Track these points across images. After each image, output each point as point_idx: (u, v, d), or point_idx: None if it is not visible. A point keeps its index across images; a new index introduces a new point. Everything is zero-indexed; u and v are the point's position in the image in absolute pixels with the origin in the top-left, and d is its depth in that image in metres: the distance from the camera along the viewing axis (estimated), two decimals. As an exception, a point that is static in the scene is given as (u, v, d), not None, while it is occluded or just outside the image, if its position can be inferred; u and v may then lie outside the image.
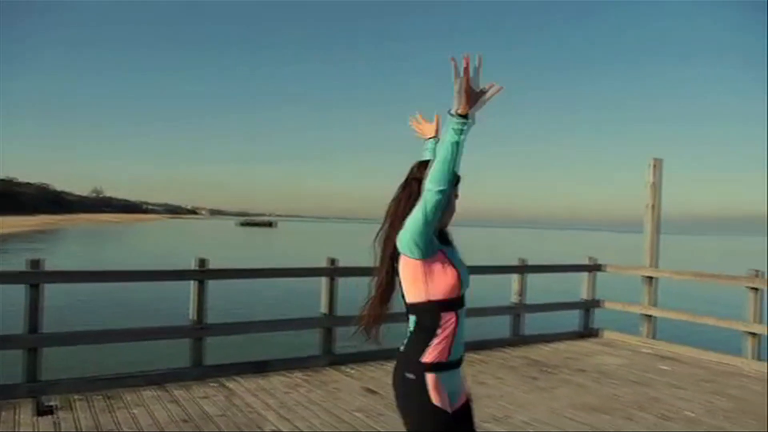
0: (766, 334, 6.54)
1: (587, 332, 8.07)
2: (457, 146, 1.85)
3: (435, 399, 2.02)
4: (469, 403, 2.19)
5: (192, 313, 5.35)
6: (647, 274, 7.83)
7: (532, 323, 7.68)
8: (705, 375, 6.21)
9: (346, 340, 6.70)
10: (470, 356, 6.68)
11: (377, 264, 2.19)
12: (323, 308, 6.11)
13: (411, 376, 2.05)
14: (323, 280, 6.15)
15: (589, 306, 8.13)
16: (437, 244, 2.04)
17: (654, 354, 7.13)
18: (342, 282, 6.14)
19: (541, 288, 9.80)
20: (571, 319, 8.29)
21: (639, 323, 7.87)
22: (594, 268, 8.17)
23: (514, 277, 7.57)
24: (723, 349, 6.97)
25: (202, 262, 5.42)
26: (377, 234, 2.18)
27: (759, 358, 6.49)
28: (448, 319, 2.06)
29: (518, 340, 7.43)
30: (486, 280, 7.83)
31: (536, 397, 5.23)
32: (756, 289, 6.55)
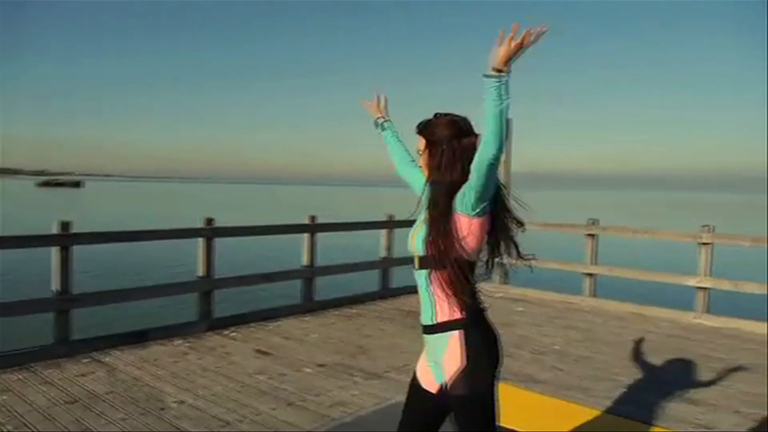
0: (601, 274, 7.52)
1: (446, 281, 8.59)
2: (502, 114, 1.73)
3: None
4: (442, 400, 2.01)
5: (55, 283, 4.73)
6: (499, 226, 8.49)
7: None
8: (553, 312, 6.99)
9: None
10: (347, 311, 6.80)
11: None
12: (201, 271, 5.78)
13: None
14: (199, 242, 5.79)
15: (447, 257, 8.63)
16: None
17: (508, 298, 7.84)
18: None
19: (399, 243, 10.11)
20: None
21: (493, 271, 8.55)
22: (451, 221, 8.66)
23: (382, 233, 7.77)
24: (564, 289, 7.87)
25: (65, 225, 4.80)
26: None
27: (595, 296, 7.45)
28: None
29: (387, 292, 7.69)
30: (351, 237, 7.98)
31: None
32: (593, 236, 7.46)
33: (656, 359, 5.18)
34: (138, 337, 5.20)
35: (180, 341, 5.31)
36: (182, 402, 3.91)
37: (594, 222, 7.50)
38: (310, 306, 6.72)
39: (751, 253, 10.96)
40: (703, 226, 6.64)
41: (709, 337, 6.00)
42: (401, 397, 3.84)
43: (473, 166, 1.81)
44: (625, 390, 4.37)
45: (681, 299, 7.26)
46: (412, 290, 8.12)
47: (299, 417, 3.72)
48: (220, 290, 6.06)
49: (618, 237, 8.66)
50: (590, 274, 7.48)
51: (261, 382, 4.35)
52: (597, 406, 4.02)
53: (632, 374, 4.77)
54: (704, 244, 6.55)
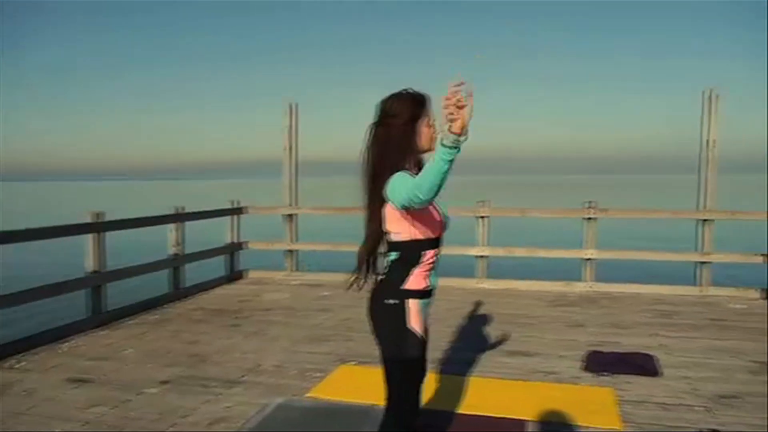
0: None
1: (235, 275, 8.18)
2: (451, 164, 1.80)
3: (413, 322, 2.15)
4: (428, 334, 2.27)
5: None
6: (287, 213, 8.38)
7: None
8: (359, 294, 7.18)
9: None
10: (146, 317, 6.03)
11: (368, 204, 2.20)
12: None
13: (392, 301, 2.16)
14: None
15: (234, 249, 8.21)
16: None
17: (304, 284, 7.82)
18: None
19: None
20: (211, 265, 8.22)
21: (283, 259, 8.41)
22: (237, 211, 8.26)
23: (171, 227, 7.02)
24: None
25: None
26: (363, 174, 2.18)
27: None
28: (429, 255, 2.19)
29: (180, 293, 7.00)
30: (129, 235, 7.03)
31: (260, 343, 5.16)
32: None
33: (473, 323, 5.75)
34: None
35: (-47, 385, 4.06)
36: (17, 460, 3.02)
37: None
38: (101, 318, 5.75)
39: (521, 223, 12.83)
40: (478, 201, 7.52)
41: (496, 298, 6.89)
42: (281, 398, 3.68)
43: (402, 186, 1.94)
44: (469, 354, 4.75)
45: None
46: (205, 287, 7.59)
47: (183, 444, 3.20)
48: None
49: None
50: (383, 253, 7.88)
51: (105, 414, 3.60)
52: (455, 372, 4.32)
53: (464, 340, 5.22)
54: (482, 217, 7.44)
